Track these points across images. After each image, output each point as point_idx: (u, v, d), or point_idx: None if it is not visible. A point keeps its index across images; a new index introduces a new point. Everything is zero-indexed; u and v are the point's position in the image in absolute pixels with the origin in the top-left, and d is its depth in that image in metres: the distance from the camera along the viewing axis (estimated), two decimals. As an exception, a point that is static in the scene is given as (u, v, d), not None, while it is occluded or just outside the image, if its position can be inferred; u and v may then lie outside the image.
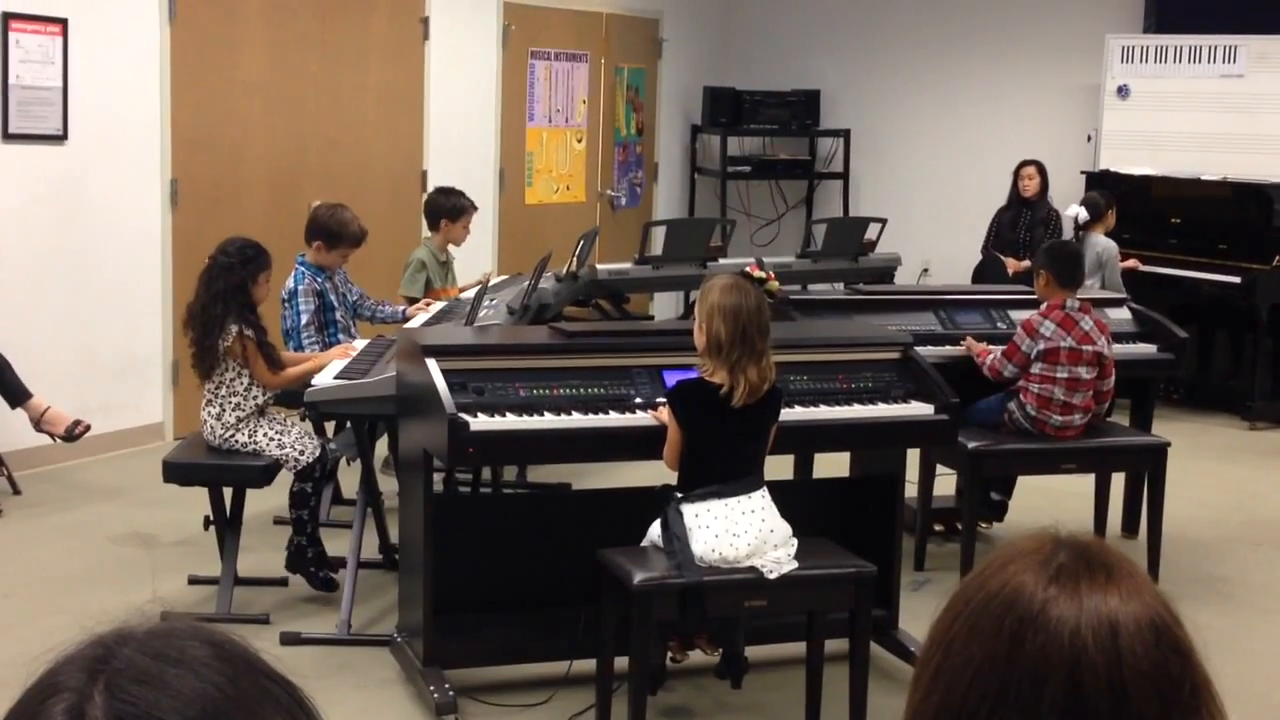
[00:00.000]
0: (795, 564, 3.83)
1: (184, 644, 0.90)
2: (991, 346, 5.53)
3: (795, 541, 3.89)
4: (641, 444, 4.10)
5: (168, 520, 5.72)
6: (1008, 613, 1.12)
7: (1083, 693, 1.08)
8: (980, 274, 8.90)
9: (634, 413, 4.16)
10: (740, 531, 3.80)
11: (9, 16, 6.32)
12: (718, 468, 3.87)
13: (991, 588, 1.14)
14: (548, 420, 4.07)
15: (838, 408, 4.42)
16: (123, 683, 0.86)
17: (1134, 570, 1.15)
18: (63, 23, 6.53)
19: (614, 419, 4.13)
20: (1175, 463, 5.59)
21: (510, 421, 4.02)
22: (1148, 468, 5.54)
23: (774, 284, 4.02)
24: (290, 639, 4.61)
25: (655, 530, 3.91)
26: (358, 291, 5.99)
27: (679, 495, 3.88)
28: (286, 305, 5.68)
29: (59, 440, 6.11)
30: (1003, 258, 8.73)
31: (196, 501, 5.08)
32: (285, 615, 4.88)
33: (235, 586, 4.87)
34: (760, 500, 3.87)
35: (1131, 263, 8.42)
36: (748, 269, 4.14)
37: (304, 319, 5.58)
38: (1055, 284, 5.39)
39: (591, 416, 4.13)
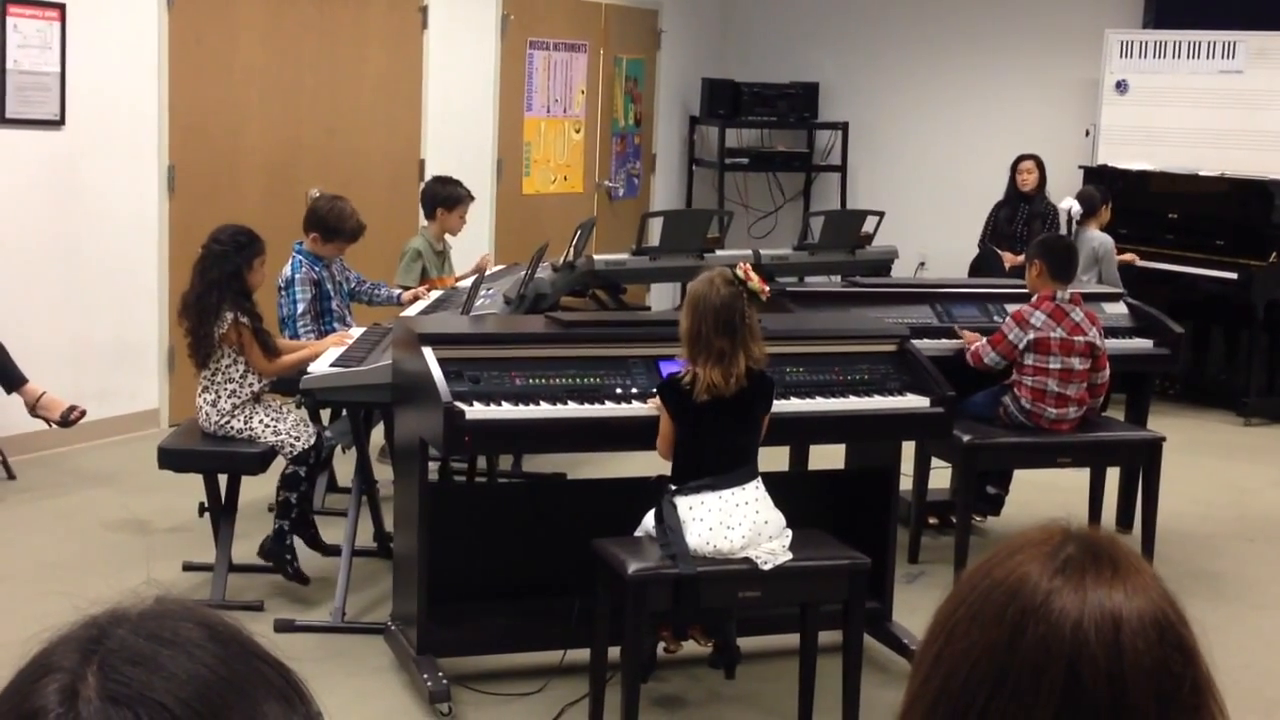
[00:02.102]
0: (789, 555, 3.83)
1: (178, 625, 0.89)
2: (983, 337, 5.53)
3: (789, 533, 3.89)
4: (637, 434, 4.10)
5: (162, 506, 5.72)
6: (1011, 602, 1.12)
7: (1082, 685, 1.08)
8: (977, 268, 8.90)
9: (629, 403, 4.16)
10: (734, 524, 3.80)
11: (7, 1, 6.31)
12: (710, 459, 3.86)
13: (997, 576, 1.14)
14: (543, 409, 4.07)
15: (833, 399, 4.42)
16: (116, 663, 0.86)
17: (1142, 567, 1.15)
18: (61, 8, 6.51)
19: (609, 409, 4.14)
20: (1170, 458, 5.60)
21: (506, 410, 4.02)
22: (1142, 462, 5.54)
23: (755, 283, 3.92)
24: (284, 626, 4.61)
25: (649, 521, 3.91)
26: (355, 277, 5.98)
27: (673, 488, 3.88)
28: (283, 293, 5.66)
29: (54, 426, 6.10)
30: (999, 252, 8.73)
31: (192, 488, 5.08)
32: (279, 602, 4.89)
33: (229, 573, 4.87)
34: (754, 491, 3.87)
35: (1129, 256, 8.42)
36: (738, 266, 4.06)
37: (300, 307, 5.57)
38: (1047, 275, 5.39)
39: (587, 406, 4.13)
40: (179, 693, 0.85)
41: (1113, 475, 5.97)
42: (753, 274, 3.94)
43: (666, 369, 4.15)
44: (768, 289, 3.99)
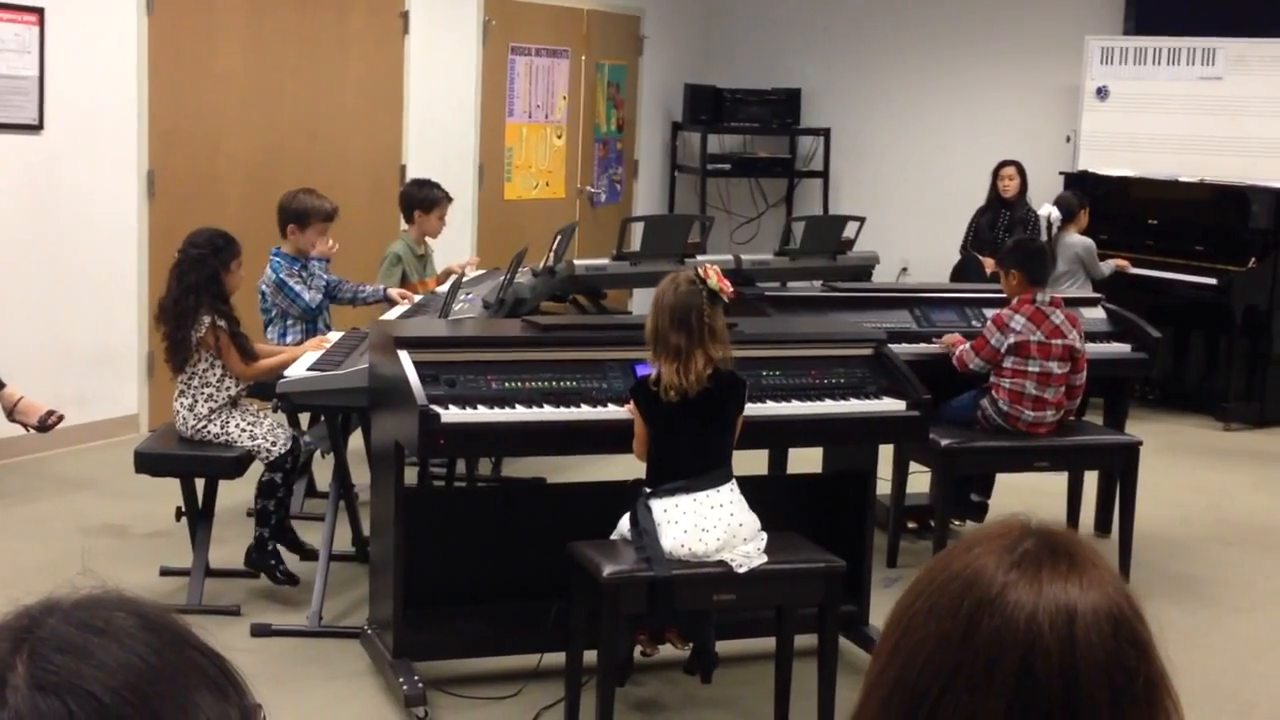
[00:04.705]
0: (764, 558, 3.83)
1: (110, 614, 0.89)
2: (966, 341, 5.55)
3: (764, 535, 3.89)
4: (613, 437, 4.10)
5: (140, 511, 5.70)
6: (966, 594, 1.12)
7: (1034, 677, 1.08)
8: (959, 274, 8.92)
9: (605, 406, 4.16)
10: (709, 526, 3.80)
11: (-15, 5, 6.30)
12: (684, 461, 3.86)
13: (954, 569, 1.15)
14: (519, 413, 4.07)
15: (810, 403, 4.43)
16: (46, 651, 0.85)
17: (1099, 562, 1.16)
18: (39, 12, 6.50)
19: (585, 412, 4.13)
20: (1148, 463, 5.61)
21: (481, 414, 4.02)
22: (1120, 467, 5.55)
23: (714, 281, 3.92)
24: (261, 630, 4.61)
25: (624, 524, 3.91)
26: (334, 280, 5.96)
27: (647, 490, 3.88)
28: (265, 298, 5.67)
29: (32, 431, 6.07)
30: (981, 258, 8.74)
31: (169, 493, 5.06)
32: (256, 607, 4.88)
33: (206, 578, 4.86)
34: (729, 494, 3.87)
35: (1121, 262, 8.43)
36: (700, 267, 4.04)
37: (306, 296, 5.63)
38: (1024, 281, 5.41)
39: (563, 409, 4.13)
40: (108, 681, 0.84)
41: (1091, 480, 5.99)
42: (712, 273, 3.93)
43: (642, 372, 4.15)
44: (730, 289, 3.96)
